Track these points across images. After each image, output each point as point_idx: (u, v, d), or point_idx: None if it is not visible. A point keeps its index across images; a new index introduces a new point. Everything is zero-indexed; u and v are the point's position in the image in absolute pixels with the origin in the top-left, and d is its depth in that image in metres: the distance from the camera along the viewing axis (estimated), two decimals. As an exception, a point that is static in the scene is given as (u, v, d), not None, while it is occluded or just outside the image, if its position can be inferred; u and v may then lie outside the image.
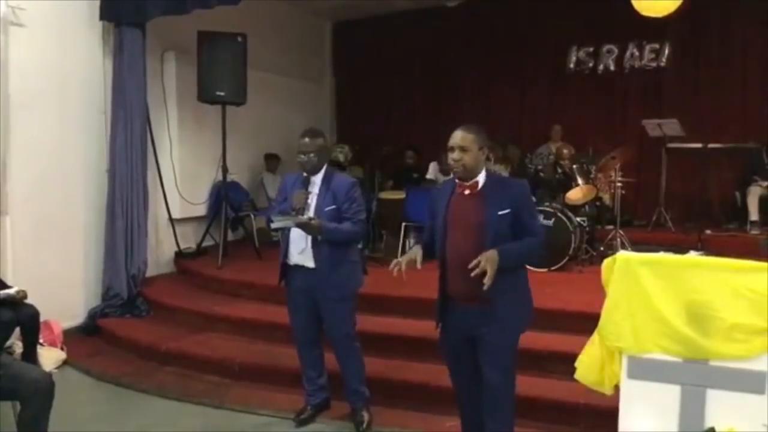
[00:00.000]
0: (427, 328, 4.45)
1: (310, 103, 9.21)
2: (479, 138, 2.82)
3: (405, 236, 6.48)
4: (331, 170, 3.70)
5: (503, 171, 7.38)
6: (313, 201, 3.56)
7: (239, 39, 6.19)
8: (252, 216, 7.17)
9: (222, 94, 6.18)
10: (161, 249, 6.53)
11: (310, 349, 3.77)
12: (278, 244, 7.13)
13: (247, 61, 6.26)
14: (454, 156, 2.79)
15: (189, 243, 6.76)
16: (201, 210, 6.92)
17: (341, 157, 7.90)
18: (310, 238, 3.52)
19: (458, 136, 2.81)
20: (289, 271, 3.66)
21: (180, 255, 6.58)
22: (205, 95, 6.22)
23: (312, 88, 9.32)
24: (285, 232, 3.65)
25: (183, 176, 6.64)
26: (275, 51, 8.05)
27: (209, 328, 5.02)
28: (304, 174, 3.63)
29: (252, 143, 7.78)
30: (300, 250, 3.57)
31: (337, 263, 3.57)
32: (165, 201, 6.41)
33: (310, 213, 3.52)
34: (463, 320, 2.84)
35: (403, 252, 6.42)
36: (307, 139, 3.58)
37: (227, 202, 6.44)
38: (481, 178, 2.83)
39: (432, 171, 7.12)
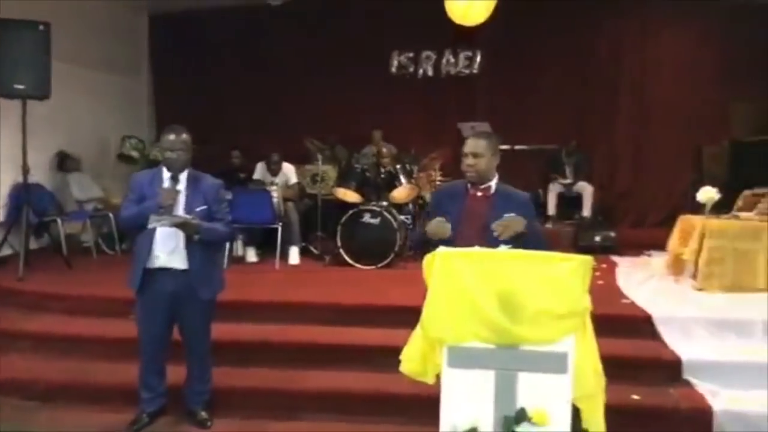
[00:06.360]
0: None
1: (125, 99, 8.68)
2: (491, 144, 3.02)
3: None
4: (194, 170, 3.55)
5: (331, 171, 7.44)
6: (181, 200, 3.41)
7: (41, 27, 5.64)
8: (59, 221, 6.56)
9: (22, 87, 5.59)
10: (-52, 261, 5.77)
11: (158, 357, 3.60)
12: (89, 250, 6.73)
13: (51, 51, 5.72)
14: (468, 162, 2.98)
15: (-17, 253, 6.04)
16: (-2, 216, 6.21)
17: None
18: (182, 238, 3.36)
19: (471, 144, 3.00)
20: (149, 275, 3.41)
21: (-28, 267, 5.85)
22: (2, 88, 5.60)
23: (126, 82, 8.76)
24: (140, 234, 3.41)
25: (-26, 178, 5.92)
26: (84, 42, 7.45)
27: (10, 347, 4.50)
28: (168, 172, 3.45)
29: (57, 141, 7.15)
30: (170, 251, 3.39)
31: (209, 264, 3.53)
32: (-48, 206, 5.68)
33: (179, 212, 3.37)
34: None
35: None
36: (173, 136, 3.43)
37: (29, 206, 5.85)
38: (494, 183, 3.06)
39: (259, 171, 6.99)
